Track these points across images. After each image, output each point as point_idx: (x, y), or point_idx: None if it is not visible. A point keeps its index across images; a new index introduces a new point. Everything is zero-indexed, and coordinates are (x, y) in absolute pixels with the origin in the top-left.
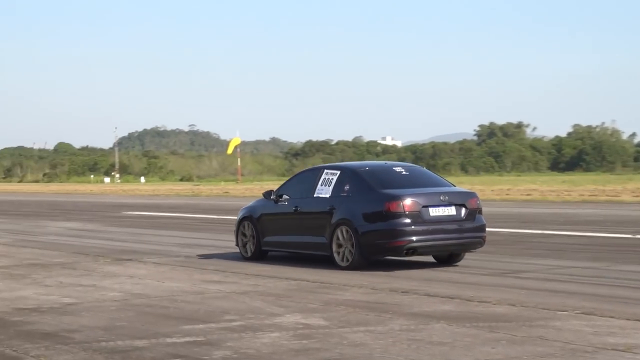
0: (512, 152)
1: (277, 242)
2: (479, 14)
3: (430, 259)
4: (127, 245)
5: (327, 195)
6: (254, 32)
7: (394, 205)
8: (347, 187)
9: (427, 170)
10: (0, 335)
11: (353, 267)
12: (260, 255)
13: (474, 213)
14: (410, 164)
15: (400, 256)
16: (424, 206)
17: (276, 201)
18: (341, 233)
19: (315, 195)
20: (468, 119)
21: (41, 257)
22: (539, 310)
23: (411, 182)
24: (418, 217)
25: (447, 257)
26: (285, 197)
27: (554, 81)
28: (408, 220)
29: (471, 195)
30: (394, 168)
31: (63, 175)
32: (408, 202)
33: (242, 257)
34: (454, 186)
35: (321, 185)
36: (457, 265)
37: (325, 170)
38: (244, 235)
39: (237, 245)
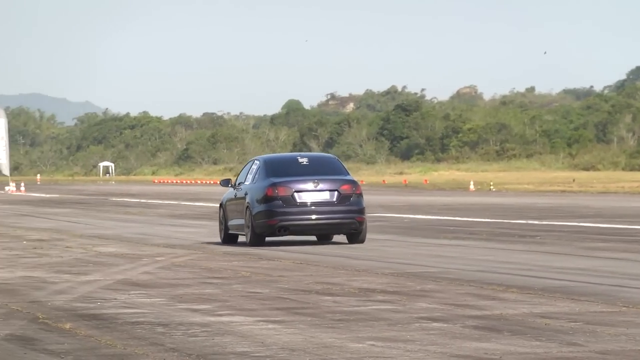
0: None
1: (232, 225)
2: None
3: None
4: None
5: (248, 183)
6: None
7: (270, 190)
8: (256, 176)
9: (335, 160)
10: None
11: (251, 244)
12: (229, 239)
13: (348, 197)
14: (323, 155)
15: (275, 235)
16: (296, 191)
17: (235, 188)
18: (247, 215)
19: (245, 183)
20: None
21: None
22: None
23: (302, 171)
24: (290, 200)
25: (350, 237)
26: (244, 184)
27: None
28: (280, 203)
29: (345, 182)
30: (298, 159)
31: None
32: (281, 188)
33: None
34: (347, 175)
35: (249, 174)
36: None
37: (255, 161)
38: (221, 222)
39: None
